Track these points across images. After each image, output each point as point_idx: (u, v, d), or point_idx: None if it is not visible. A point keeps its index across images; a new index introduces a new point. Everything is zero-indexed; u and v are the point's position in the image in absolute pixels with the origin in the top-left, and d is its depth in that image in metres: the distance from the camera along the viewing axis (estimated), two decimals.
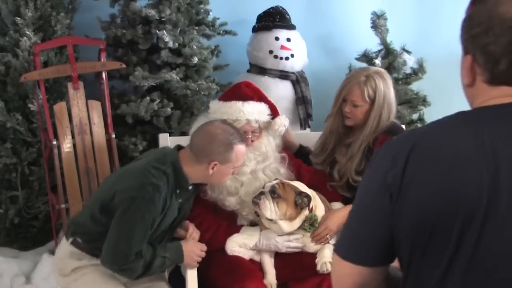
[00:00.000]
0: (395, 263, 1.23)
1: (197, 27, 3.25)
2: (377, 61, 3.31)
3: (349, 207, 2.29)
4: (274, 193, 2.30)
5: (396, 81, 3.32)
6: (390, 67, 3.35)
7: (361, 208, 1.21)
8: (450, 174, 1.08)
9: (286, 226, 2.34)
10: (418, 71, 3.40)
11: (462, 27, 1.16)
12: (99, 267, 2.16)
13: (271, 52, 3.21)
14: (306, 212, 2.36)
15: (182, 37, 3.13)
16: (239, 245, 2.38)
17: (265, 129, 2.47)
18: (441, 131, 1.15)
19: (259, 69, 3.25)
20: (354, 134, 2.51)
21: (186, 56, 3.13)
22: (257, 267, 2.39)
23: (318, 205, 2.41)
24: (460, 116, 1.16)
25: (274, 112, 2.48)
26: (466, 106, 1.22)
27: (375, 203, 1.15)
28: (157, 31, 3.09)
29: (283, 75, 3.25)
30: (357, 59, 3.42)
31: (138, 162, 2.25)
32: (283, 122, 2.47)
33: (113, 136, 3.04)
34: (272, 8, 3.31)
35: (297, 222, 2.35)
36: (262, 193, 2.31)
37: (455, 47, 1.27)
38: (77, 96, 2.98)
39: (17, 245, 3.29)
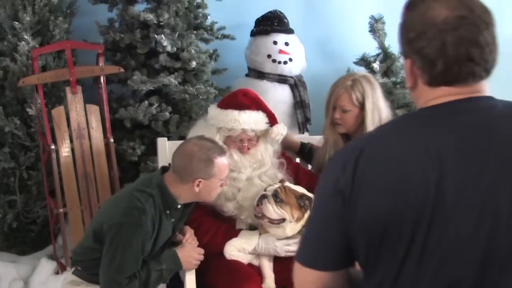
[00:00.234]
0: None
1: (195, 31, 3.25)
2: (375, 65, 3.31)
3: None
4: (276, 198, 2.30)
5: (394, 85, 3.33)
6: (388, 71, 3.36)
7: (317, 214, 1.23)
8: (397, 175, 1.11)
9: (290, 229, 2.33)
10: None
11: (399, 32, 1.20)
12: None
13: (269, 56, 3.21)
14: (307, 215, 2.35)
15: (180, 41, 3.13)
16: (238, 249, 2.37)
17: (263, 136, 2.47)
18: (387, 134, 1.19)
19: (258, 73, 3.25)
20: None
21: (184, 60, 3.13)
22: (255, 271, 2.38)
23: None
24: (404, 118, 1.20)
25: (272, 120, 2.47)
26: None
27: (330, 208, 1.18)
28: (156, 35, 3.09)
29: (282, 79, 3.25)
30: (355, 63, 3.43)
31: (125, 188, 2.29)
32: (280, 131, 2.45)
33: (111, 140, 3.04)
34: (270, 12, 3.31)
35: (300, 225, 2.35)
36: (264, 196, 2.31)
37: None
38: (75, 100, 2.98)
39: (15, 249, 3.29)
